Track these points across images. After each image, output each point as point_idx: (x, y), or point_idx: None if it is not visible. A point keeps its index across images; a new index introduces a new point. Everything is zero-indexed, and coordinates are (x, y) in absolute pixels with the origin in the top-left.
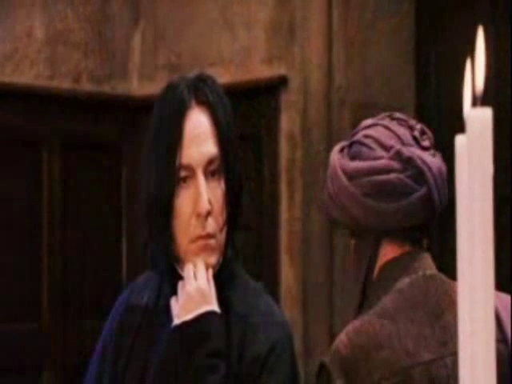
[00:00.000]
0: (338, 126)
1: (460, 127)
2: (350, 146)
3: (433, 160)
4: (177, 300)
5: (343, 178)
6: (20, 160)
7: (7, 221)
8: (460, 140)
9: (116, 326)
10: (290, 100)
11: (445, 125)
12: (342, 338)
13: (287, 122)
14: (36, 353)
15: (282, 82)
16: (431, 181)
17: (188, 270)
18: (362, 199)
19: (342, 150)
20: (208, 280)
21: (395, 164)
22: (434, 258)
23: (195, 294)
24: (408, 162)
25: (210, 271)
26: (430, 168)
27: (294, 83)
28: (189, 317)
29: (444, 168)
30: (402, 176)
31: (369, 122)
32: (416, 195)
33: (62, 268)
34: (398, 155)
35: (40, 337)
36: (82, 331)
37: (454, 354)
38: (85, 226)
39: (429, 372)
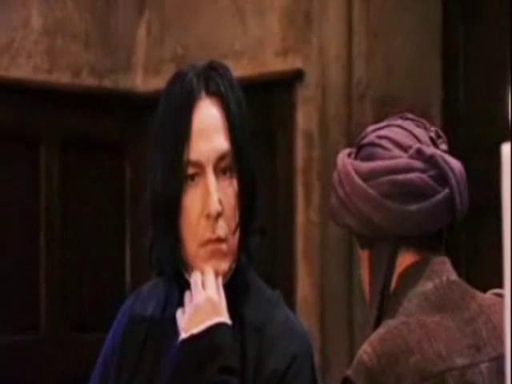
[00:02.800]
0: (359, 122)
1: (491, 123)
2: (359, 149)
3: (454, 161)
4: (183, 312)
5: (357, 180)
6: (16, 159)
7: (3, 222)
8: (506, 149)
9: (119, 339)
10: (306, 95)
11: (474, 121)
12: (365, 348)
13: (303, 118)
14: (34, 365)
15: (297, 76)
16: (454, 182)
17: (195, 278)
18: (381, 200)
19: (349, 155)
20: (218, 289)
21: (416, 163)
22: (460, 266)
23: (204, 304)
24: (430, 161)
25: (220, 279)
26: (452, 169)
27: (311, 77)
28: (197, 330)
29: (464, 172)
30: (424, 176)
31: (377, 125)
32: (438, 197)
33: (61, 274)
34: (419, 154)
35: (38, 348)
36: (82, 343)
37: (490, 361)
38: (85, 229)
39: (464, 378)
